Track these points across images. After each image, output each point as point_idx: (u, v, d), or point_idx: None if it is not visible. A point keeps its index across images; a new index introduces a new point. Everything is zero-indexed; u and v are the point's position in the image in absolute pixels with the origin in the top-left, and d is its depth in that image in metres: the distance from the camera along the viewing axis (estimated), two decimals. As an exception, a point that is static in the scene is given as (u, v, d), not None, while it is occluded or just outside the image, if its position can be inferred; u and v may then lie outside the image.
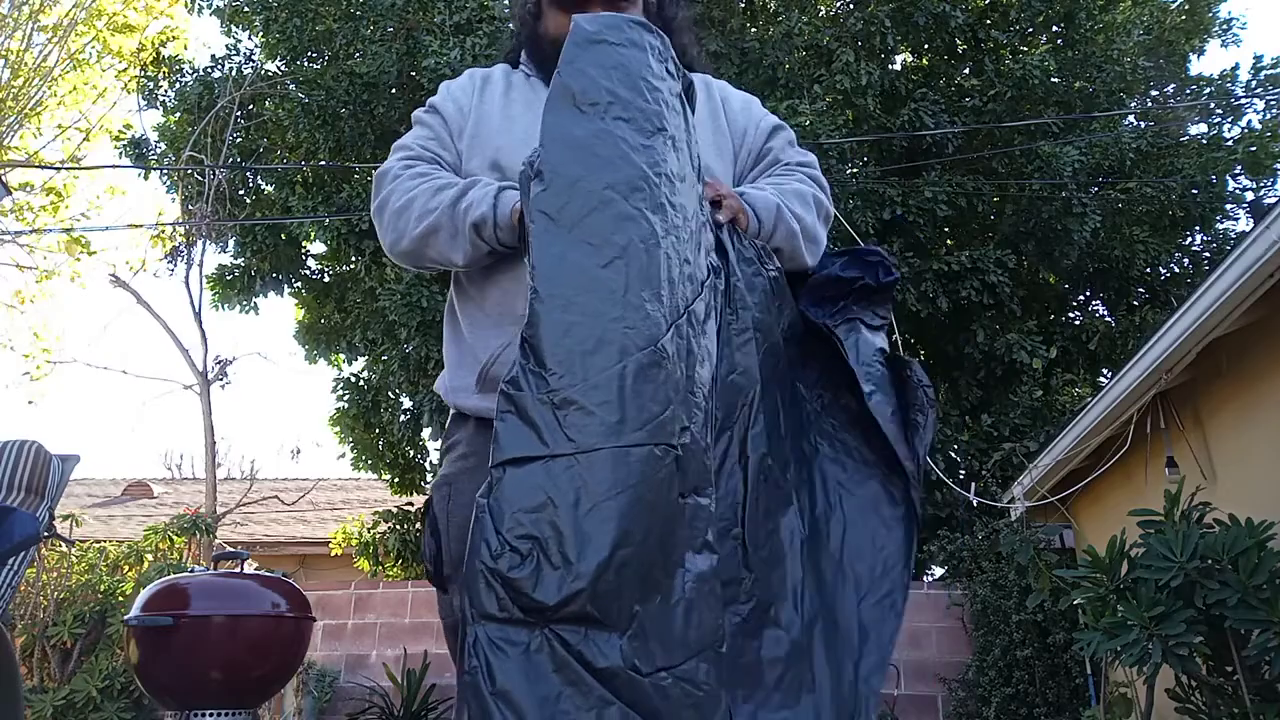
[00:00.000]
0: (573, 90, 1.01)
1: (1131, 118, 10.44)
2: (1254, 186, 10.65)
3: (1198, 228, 10.39)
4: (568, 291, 0.93)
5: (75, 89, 12.95)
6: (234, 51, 10.82)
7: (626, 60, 1.05)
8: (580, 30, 1.06)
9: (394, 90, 9.58)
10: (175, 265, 11.29)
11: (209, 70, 10.77)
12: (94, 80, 13.04)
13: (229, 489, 11.70)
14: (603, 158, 0.98)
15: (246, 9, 10.24)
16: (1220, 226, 10.51)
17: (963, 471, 8.54)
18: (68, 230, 12.64)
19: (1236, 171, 10.31)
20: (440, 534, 1.27)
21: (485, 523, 0.85)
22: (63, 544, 7.45)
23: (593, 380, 0.90)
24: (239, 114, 10.37)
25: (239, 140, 10.80)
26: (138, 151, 10.92)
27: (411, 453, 11.08)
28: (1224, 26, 11.64)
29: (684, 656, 0.85)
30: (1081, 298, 11.02)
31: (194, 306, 10.57)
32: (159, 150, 11.15)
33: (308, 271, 11.49)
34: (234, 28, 10.75)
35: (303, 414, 38.66)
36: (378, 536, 10.57)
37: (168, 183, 11.11)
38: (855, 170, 9.30)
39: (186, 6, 11.04)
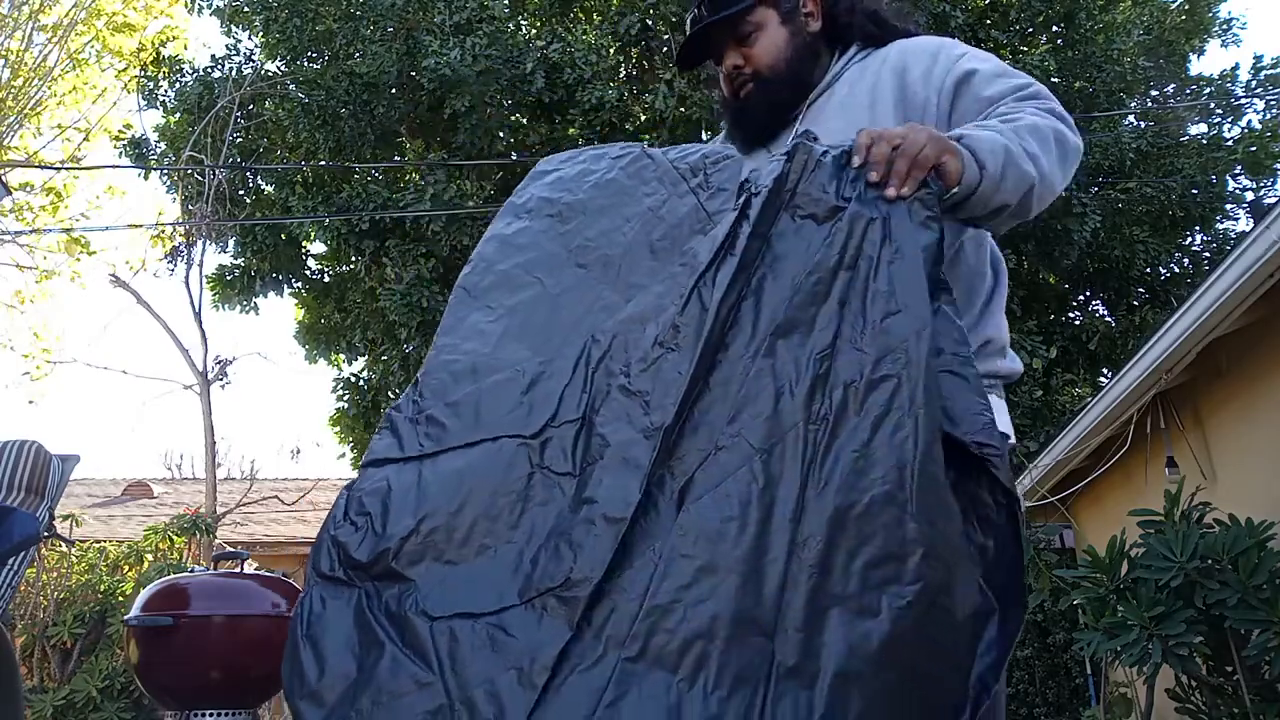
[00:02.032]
0: (514, 202, 1.34)
1: (1131, 118, 10.44)
2: (1254, 186, 10.66)
3: (1198, 228, 10.39)
4: (454, 341, 1.20)
5: (75, 89, 12.96)
6: (234, 51, 10.83)
7: (565, 174, 1.36)
8: (536, 168, 1.41)
9: (394, 90, 9.58)
10: (175, 265, 11.31)
11: (209, 70, 10.77)
12: (94, 80, 13.05)
13: (229, 489, 11.71)
14: (516, 245, 1.28)
15: (246, 9, 10.24)
16: (1220, 226, 10.53)
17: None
18: (68, 230, 12.64)
19: (1236, 171, 10.32)
20: None
21: (339, 503, 1.08)
22: (63, 544, 7.46)
23: (450, 400, 1.13)
24: (239, 114, 10.37)
25: (239, 140, 10.80)
26: (138, 151, 10.93)
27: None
28: (1224, 26, 11.64)
29: (496, 606, 0.96)
30: (1081, 298, 11.02)
31: (194, 306, 10.58)
32: (159, 150, 11.15)
33: (308, 271, 11.49)
34: (234, 28, 10.75)
35: (303, 414, 38.65)
36: (378, 536, 10.57)
37: (168, 183, 11.12)
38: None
39: (186, 6, 11.05)
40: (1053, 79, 8.96)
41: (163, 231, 11.84)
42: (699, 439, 1.03)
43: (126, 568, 7.99)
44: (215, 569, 3.95)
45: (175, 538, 8.35)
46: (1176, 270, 10.54)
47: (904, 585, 0.92)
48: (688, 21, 1.56)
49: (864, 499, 0.95)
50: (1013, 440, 1.44)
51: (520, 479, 1.05)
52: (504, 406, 1.11)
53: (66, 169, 12.49)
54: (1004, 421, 1.39)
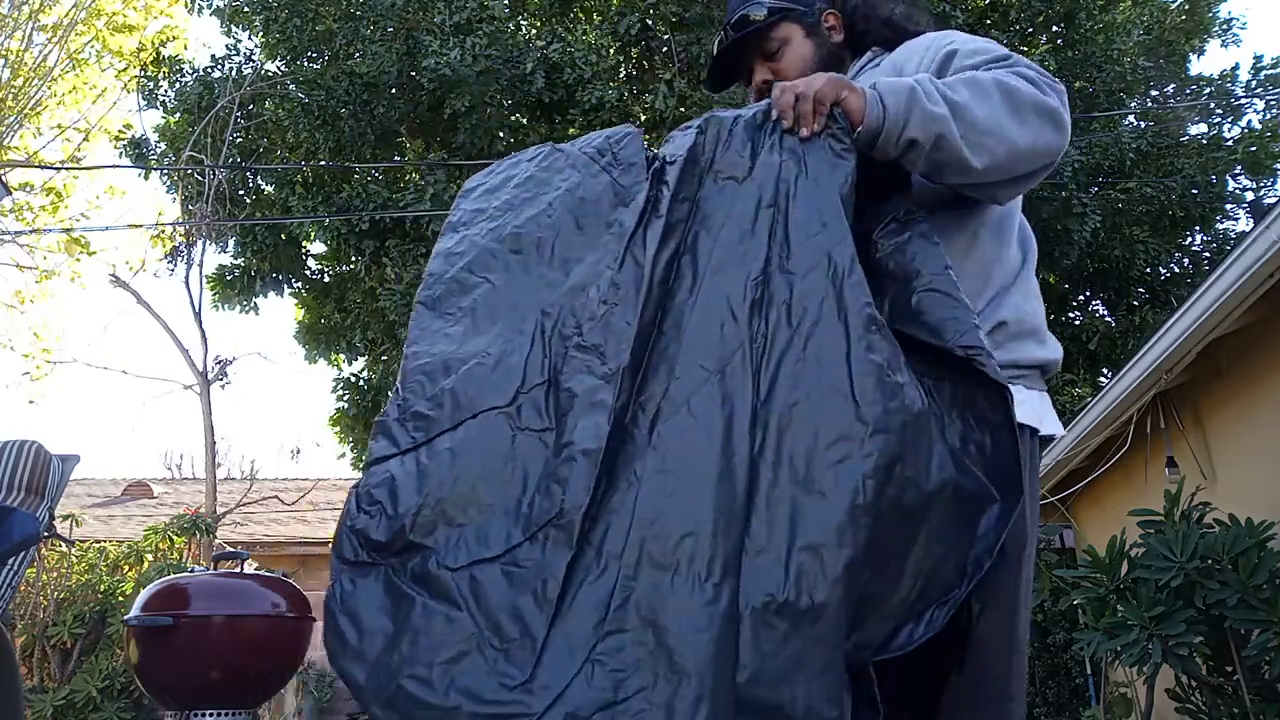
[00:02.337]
0: (450, 220, 1.49)
1: (1131, 118, 10.44)
2: (1254, 186, 10.66)
3: (1198, 228, 10.39)
4: (423, 348, 1.32)
5: (75, 89, 12.96)
6: (234, 51, 10.83)
7: (489, 184, 1.52)
8: (464, 187, 1.55)
9: (394, 90, 9.58)
10: (175, 265, 11.31)
11: (209, 70, 10.77)
12: (94, 80, 13.05)
13: (229, 489, 11.71)
14: (458, 253, 1.42)
15: (246, 9, 10.23)
16: (1220, 226, 10.52)
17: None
18: (68, 230, 12.64)
19: (1236, 171, 10.31)
20: None
21: (350, 501, 1.19)
22: (63, 544, 7.46)
23: (429, 395, 1.25)
24: (239, 114, 10.37)
25: (239, 140, 10.80)
26: (138, 151, 10.92)
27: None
28: (1224, 26, 11.64)
29: (505, 547, 1.09)
30: (1081, 298, 11.02)
31: (194, 306, 10.59)
32: (159, 150, 11.15)
33: (308, 271, 11.49)
34: (234, 28, 10.75)
35: (303, 414, 38.68)
36: (378, 536, 10.57)
37: (168, 183, 11.12)
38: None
39: (186, 6, 11.04)
40: (1053, 79, 8.95)
41: (163, 231, 11.84)
42: (660, 376, 1.15)
43: (126, 568, 7.99)
44: (215, 569, 3.95)
45: (175, 538, 8.35)
46: (1176, 270, 10.54)
47: (857, 461, 1.04)
48: (714, 44, 1.62)
49: (807, 394, 1.09)
50: (1057, 432, 1.42)
51: (505, 441, 1.17)
52: (478, 388, 1.23)
53: (66, 169, 12.49)
54: (1027, 413, 1.34)
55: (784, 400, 1.09)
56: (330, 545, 1.20)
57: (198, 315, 10.57)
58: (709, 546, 1.02)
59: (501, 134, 9.77)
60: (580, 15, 10.50)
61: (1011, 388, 1.18)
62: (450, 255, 1.44)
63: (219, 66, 10.74)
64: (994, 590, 1.17)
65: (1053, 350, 1.43)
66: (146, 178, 14.43)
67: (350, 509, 1.19)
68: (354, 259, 10.24)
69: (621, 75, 10.21)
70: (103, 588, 7.46)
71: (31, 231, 12.81)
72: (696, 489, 1.06)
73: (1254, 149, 9.84)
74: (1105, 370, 9.80)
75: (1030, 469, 1.34)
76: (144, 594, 3.59)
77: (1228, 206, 10.48)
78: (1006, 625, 1.28)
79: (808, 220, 1.20)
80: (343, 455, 11.22)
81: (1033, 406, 1.37)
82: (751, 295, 1.16)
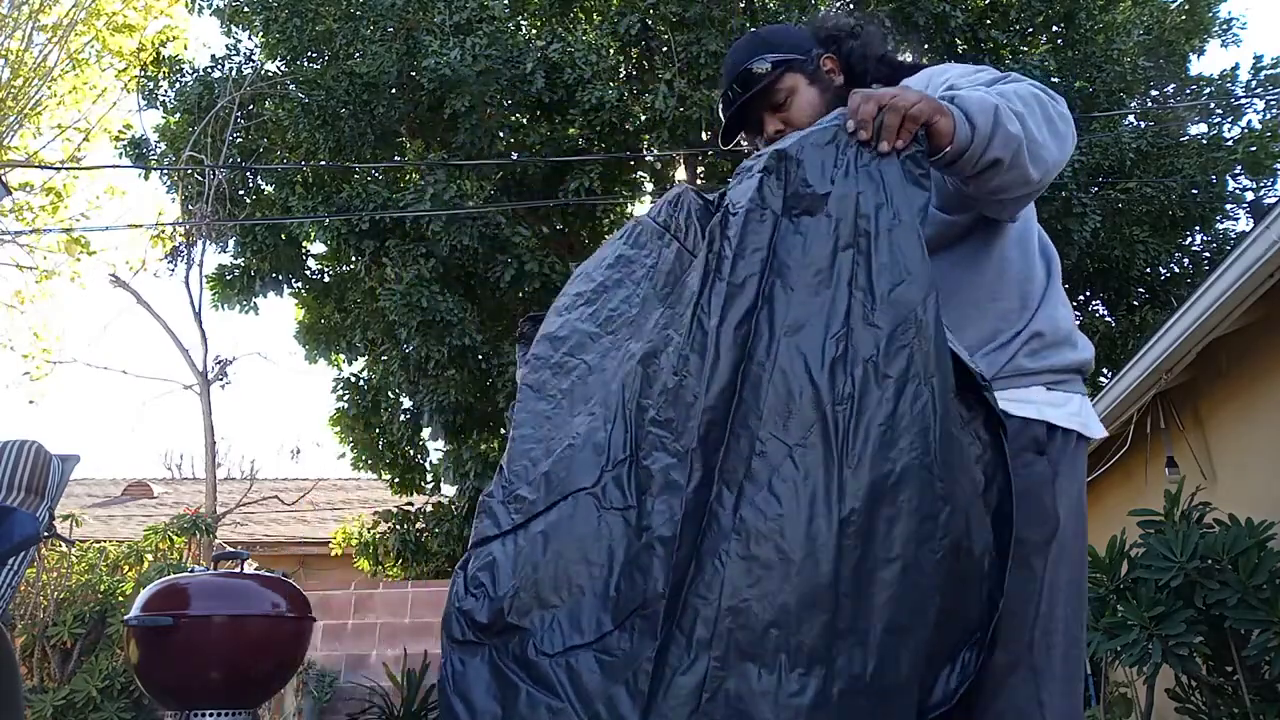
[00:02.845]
0: (556, 305, 1.53)
1: (1131, 118, 10.44)
2: (1254, 186, 10.66)
3: (1198, 228, 10.40)
4: (527, 431, 1.37)
5: (75, 89, 12.95)
6: (234, 51, 10.83)
7: (589, 268, 1.54)
8: (573, 274, 1.58)
9: (394, 90, 9.58)
10: (175, 265, 11.31)
11: (209, 70, 10.77)
12: (94, 80, 13.05)
13: (229, 489, 11.71)
14: (560, 338, 1.45)
15: (246, 9, 10.23)
16: (1220, 226, 10.53)
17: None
18: (68, 230, 12.64)
19: (1236, 171, 10.32)
20: None
21: (457, 581, 1.26)
22: (63, 544, 7.46)
23: (528, 478, 1.30)
24: (239, 114, 10.37)
25: (239, 140, 10.80)
26: (138, 151, 10.92)
27: (411, 453, 11.08)
28: (1224, 26, 11.64)
29: (602, 632, 1.10)
30: (1081, 298, 11.02)
31: (194, 306, 10.58)
32: (159, 150, 11.15)
33: (308, 271, 11.49)
34: (234, 28, 10.75)
35: (303, 414, 38.71)
36: (378, 536, 10.57)
37: (168, 183, 11.11)
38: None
39: (186, 6, 11.04)
40: (1053, 79, 8.96)
41: (163, 231, 11.84)
42: (741, 448, 1.12)
43: (126, 568, 7.99)
44: (215, 569, 3.95)
45: (175, 538, 8.35)
46: (1176, 270, 10.54)
47: (937, 540, 1.05)
48: (720, 103, 1.66)
49: (895, 468, 1.06)
50: (1100, 434, 1.44)
51: (593, 522, 1.19)
52: (568, 469, 1.26)
53: (66, 169, 12.49)
54: (1070, 418, 1.37)
55: (871, 475, 1.07)
56: (441, 624, 1.26)
57: (198, 315, 10.57)
58: (795, 635, 1.03)
59: (501, 134, 9.78)
60: (580, 15, 10.51)
61: (1059, 393, 1.26)
62: (554, 339, 1.48)
63: (219, 66, 10.74)
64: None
65: (1084, 350, 1.46)
66: (146, 178, 14.44)
67: (458, 589, 1.25)
68: (354, 259, 10.24)
69: (621, 75, 10.21)
70: (103, 588, 7.45)
71: (31, 231, 12.82)
72: (781, 575, 1.05)
73: (1254, 149, 9.84)
74: (1105, 370, 9.79)
75: (1072, 474, 1.38)
76: (144, 594, 3.59)
77: (1228, 206, 10.49)
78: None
79: (892, 266, 1.14)
80: (342, 455, 11.22)
81: (1074, 410, 1.40)
82: (832, 354, 1.12)
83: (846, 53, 1.62)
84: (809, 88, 1.59)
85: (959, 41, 9.80)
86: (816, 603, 1.03)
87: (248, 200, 11.05)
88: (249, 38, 10.75)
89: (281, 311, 40.61)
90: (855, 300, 1.13)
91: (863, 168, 1.19)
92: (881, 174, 1.18)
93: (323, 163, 10.03)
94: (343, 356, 11.28)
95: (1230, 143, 10.23)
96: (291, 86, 9.98)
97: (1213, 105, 10.71)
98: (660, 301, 1.35)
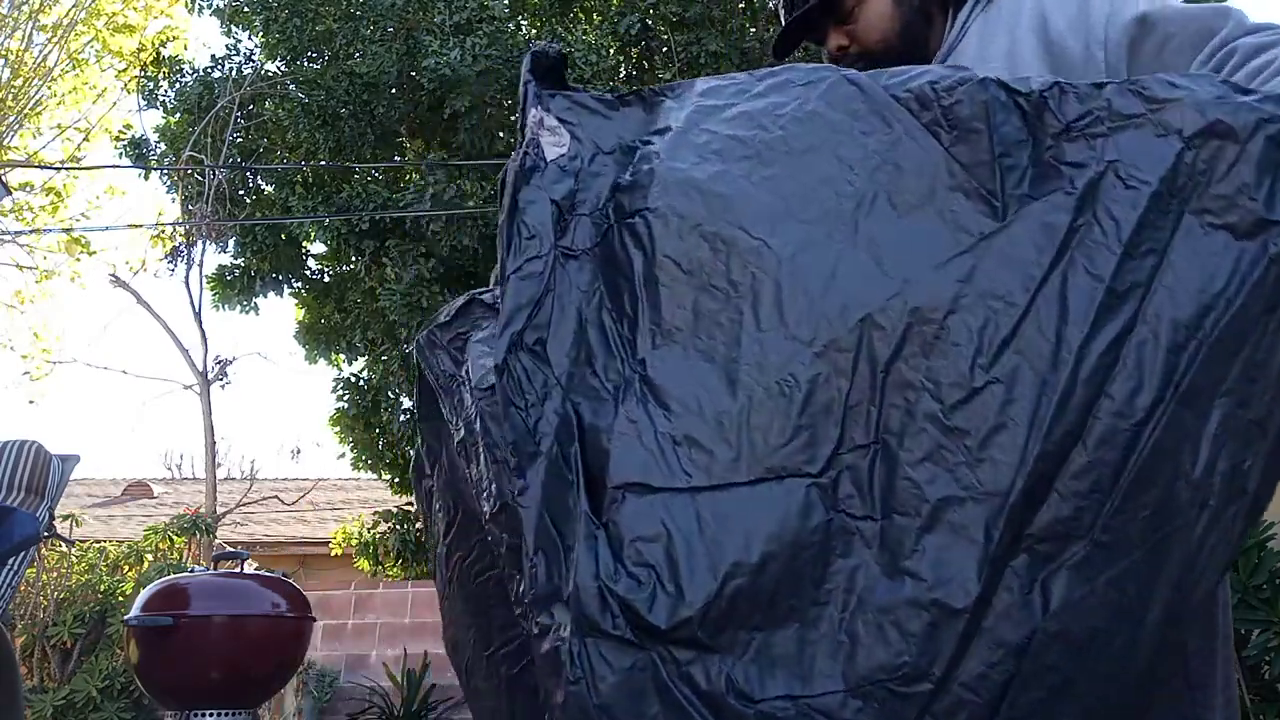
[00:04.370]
0: (688, 138, 1.04)
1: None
2: (1254, 186, 10.66)
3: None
4: (686, 336, 0.93)
5: (75, 89, 12.95)
6: (234, 51, 10.83)
7: (754, 109, 1.04)
8: (697, 91, 1.10)
9: (394, 90, 9.58)
10: (175, 265, 11.31)
11: (209, 70, 10.77)
12: (94, 80, 13.05)
13: (229, 489, 11.71)
14: (718, 194, 0.96)
15: (246, 9, 10.24)
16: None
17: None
18: (68, 230, 12.64)
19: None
20: None
21: (602, 541, 0.88)
22: (63, 544, 7.46)
23: (709, 419, 0.89)
24: (239, 114, 10.37)
25: (239, 140, 10.80)
26: (138, 151, 10.93)
27: (411, 453, 11.07)
28: (1224, 26, 11.65)
29: (826, 689, 0.82)
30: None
31: (194, 306, 10.59)
32: (159, 150, 11.15)
33: (308, 271, 11.49)
34: (234, 28, 10.75)
35: (303, 414, 38.75)
36: (378, 537, 10.56)
37: (168, 183, 11.12)
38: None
39: (186, 6, 11.05)
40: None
41: (163, 231, 11.84)
42: (1063, 513, 0.80)
43: (126, 568, 8.00)
44: (215, 569, 3.96)
45: (175, 538, 8.35)
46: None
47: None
48: (780, 10, 1.40)
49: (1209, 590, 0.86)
50: None
51: (817, 528, 0.86)
52: (779, 433, 0.88)
53: (66, 169, 12.49)
54: None
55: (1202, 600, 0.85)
56: (567, 592, 0.89)
57: (198, 315, 10.58)
58: None
59: (501, 134, 9.78)
60: (580, 15, 10.51)
61: None
62: (703, 192, 0.97)
63: (219, 66, 10.75)
64: None
65: None
66: (146, 178, 14.45)
67: (603, 558, 0.87)
68: (354, 259, 10.24)
69: (621, 75, 10.21)
70: (103, 588, 7.46)
71: (31, 231, 12.82)
72: (1083, 700, 0.80)
73: (1254, 149, 9.84)
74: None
75: None
76: (144, 594, 3.59)
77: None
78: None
79: None
80: (342, 455, 11.21)
81: None
82: (1216, 448, 0.81)
83: None
84: None
85: (959, 41, 9.81)
86: None
87: (248, 200, 11.05)
88: (249, 38, 10.76)
89: (281, 311, 40.65)
90: (1259, 385, 0.80)
91: None
92: None
93: (323, 163, 10.04)
94: (343, 356, 11.28)
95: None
96: (291, 86, 9.99)
97: (1213, 105, 10.72)
98: (894, 210, 0.92)
